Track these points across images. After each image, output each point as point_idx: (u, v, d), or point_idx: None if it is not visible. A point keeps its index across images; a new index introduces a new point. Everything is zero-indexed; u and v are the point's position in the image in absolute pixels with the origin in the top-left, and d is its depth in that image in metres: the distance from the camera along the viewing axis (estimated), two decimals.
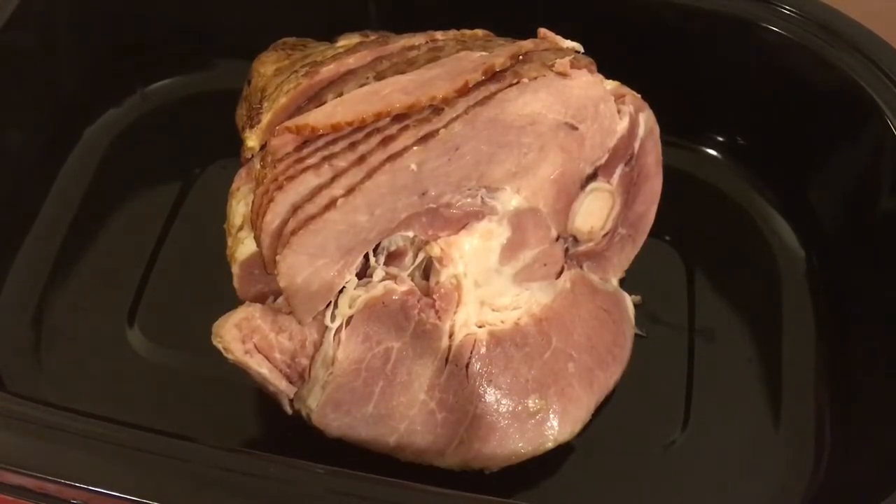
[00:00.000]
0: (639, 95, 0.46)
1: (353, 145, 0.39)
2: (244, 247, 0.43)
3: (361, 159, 0.39)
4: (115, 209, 0.57)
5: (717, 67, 0.56)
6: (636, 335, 0.51)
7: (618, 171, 0.46)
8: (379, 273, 0.43)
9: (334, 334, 0.43)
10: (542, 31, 0.45)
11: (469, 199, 0.42)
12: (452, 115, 0.39)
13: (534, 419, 0.45)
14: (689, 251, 0.56)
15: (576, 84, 0.42)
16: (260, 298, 0.44)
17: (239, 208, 0.45)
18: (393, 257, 0.43)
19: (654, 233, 0.51)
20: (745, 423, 0.50)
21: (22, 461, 0.38)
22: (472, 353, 0.44)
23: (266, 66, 0.49)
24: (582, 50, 0.45)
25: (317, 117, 0.40)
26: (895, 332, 0.48)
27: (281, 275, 0.40)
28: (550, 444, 0.45)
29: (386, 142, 0.39)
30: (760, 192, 0.58)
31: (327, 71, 0.44)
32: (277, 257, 0.40)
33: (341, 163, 0.39)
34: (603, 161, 0.45)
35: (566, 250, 0.47)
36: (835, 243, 0.54)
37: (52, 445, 0.38)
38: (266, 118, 0.44)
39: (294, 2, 0.59)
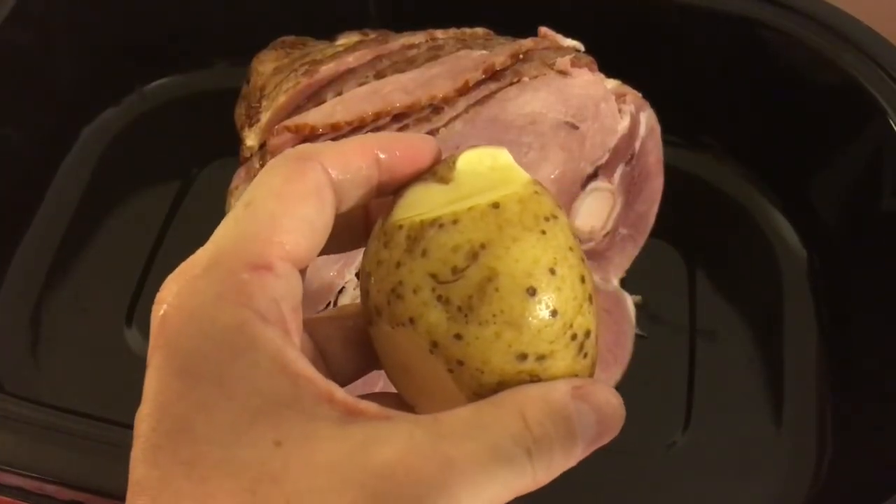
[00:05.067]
0: (640, 94, 0.46)
1: None
2: None
3: None
4: (113, 209, 0.57)
5: (718, 66, 0.56)
6: (637, 335, 0.51)
7: (619, 171, 0.46)
8: None
9: None
10: (543, 29, 0.45)
11: None
12: (452, 114, 0.39)
13: None
14: (690, 251, 0.55)
15: (576, 83, 0.42)
16: None
17: None
18: None
19: (655, 233, 0.51)
20: (746, 423, 0.49)
21: (20, 462, 0.38)
22: None
23: (265, 64, 0.49)
24: (582, 48, 0.45)
25: (316, 117, 0.40)
26: None
27: None
28: None
29: None
30: (762, 191, 0.58)
31: (327, 70, 0.43)
32: None
33: None
34: (604, 160, 0.45)
35: None
36: (836, 243, 0.54)
37: (50, 446, 0.38)
38: (265, 117, 0.44)
39: (293, 0, 0.58)
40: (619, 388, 0.48)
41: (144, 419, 0.20)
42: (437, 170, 0.24)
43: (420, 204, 0.23)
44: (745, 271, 0.55)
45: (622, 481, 0.48)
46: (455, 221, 0.22)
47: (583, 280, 0.23)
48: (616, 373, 0.48)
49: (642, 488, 0.47)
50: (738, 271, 0.55)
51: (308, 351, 0.25)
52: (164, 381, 0.20)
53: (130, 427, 0.21)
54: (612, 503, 0.47)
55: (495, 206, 0.22)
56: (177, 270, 0.22)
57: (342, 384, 0.26)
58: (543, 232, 0.22)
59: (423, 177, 0.24)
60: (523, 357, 0.22)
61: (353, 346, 0.26)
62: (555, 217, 0.23)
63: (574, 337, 0.23)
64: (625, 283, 0.51)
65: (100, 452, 0.38)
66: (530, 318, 0.22)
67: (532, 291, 0.22)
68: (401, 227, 0.23)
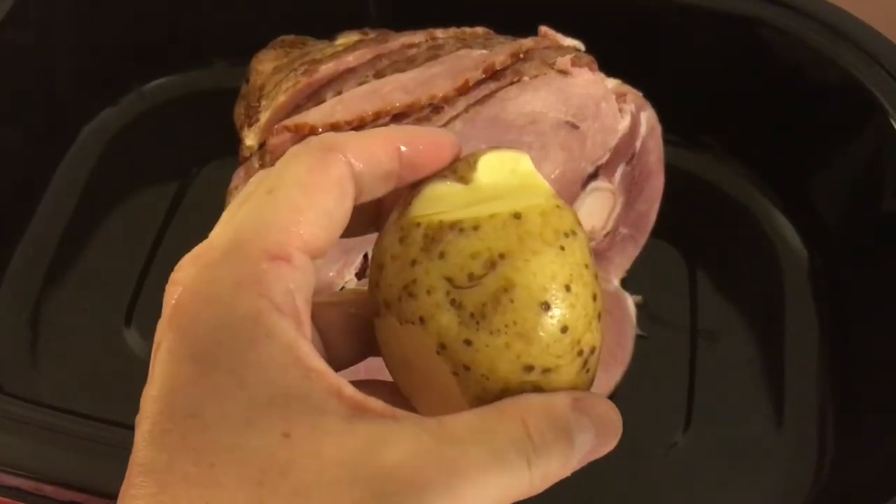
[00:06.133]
0: (640, 94, 0.45)
1: None
2: None
3: None
4: (112, 208, 0.57)
5: (718, 66, 0.56)
6: (637, 336, 0.51)
7: (619, 171, 0.46)
8: None
9: None
10: (543, 29, 0.45)
11: None
12: (452, 113, 0.39)
13: None
14: (691, 251, 0.55)
15: (577, 82, 0.42)
16: None
17: None
18: None
19: (656, 232, 0.51)
20: (747, 424, 0.49)
21: (18, 463, 0.38)
22: None
23: (265, 64, 0.48)
24: (583, 48, 0.45)
25: (316, 116, 0.40)
26: None
27: None
28: None
29: None
30: (762, 191, 0.58)
31: (326, 69, 0.43)
32: None
33: None
34: (604, 160, 0.45)
35: None
36: (837, 243, 0.54)
37: (48, 447, 0.38)
38: (264, 117, 0.44)
39: (293, 0, 0.58)
40: (620, 388, 0.49)
41: (153, 401, 0.20)
42: (456, 167, 0.24)
43: (439, 202, 0.23)
44: (745, 271, 0.55)
45: (622, 481, 0.47)
46: (476, 227, 0.22)
47: (595, 298, 0.23)
48: (616, 373, 0.48)
49: (642, 488, 0.47)
50: (738, 271, 0.55)
51: (312, 336, 0.26)
52: (176, 364, 0.20)
53: (130, 427, 0.21)
54: (611, 503, 0.47)
55: (517, 216, 0.22)
56: (194, 251, 0.22)
57: (339, 368, 0.26)
58: (562, 248, 0.23)
59: (443, 173, 0.24)
60: (529, 369, 0.22)
61: (353, 332, 0.26)
62: (574, 233, 0.23)
63: (580, 353, 0.23)
64: (625, 283, 0.51)
65: (99, 453, 0.37)
66: (541, 332, 0.22)
67: (546, 306, 0.22)
68: (419, 224, 0.23)
